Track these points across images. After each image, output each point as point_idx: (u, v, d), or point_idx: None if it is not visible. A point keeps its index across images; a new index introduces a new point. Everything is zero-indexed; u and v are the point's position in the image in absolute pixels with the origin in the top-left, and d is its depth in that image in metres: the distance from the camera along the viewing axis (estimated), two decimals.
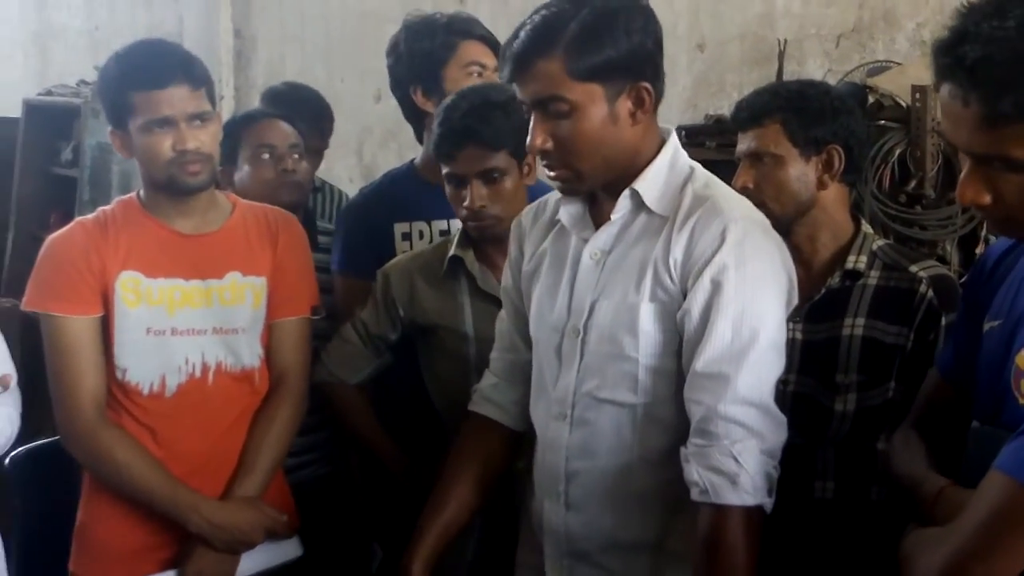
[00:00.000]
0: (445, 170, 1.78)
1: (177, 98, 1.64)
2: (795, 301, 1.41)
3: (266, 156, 2.09)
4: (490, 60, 2.04)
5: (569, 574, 1.46)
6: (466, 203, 1.75)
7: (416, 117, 2.12)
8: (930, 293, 1.63)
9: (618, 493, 1.42)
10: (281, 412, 1.79)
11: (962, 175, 1.13)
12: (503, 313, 1.62)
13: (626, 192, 1.39)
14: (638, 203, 1.40)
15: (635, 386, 1.38)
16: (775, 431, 1.33)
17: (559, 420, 1.44)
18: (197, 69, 1.70)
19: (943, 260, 2.30)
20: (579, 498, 1.44)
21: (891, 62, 2.53)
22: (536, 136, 1.36)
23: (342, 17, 4.13)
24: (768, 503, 1.31)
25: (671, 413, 1.37)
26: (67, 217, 4.32)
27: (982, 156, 1.09)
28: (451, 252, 1.84)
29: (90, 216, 1.79)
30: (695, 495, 1.30)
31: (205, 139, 1.68)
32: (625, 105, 1.35)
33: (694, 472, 1.30)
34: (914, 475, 1.31)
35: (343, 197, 2.75)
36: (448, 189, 1.80)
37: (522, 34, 1.35)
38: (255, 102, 4.36)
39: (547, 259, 1.50)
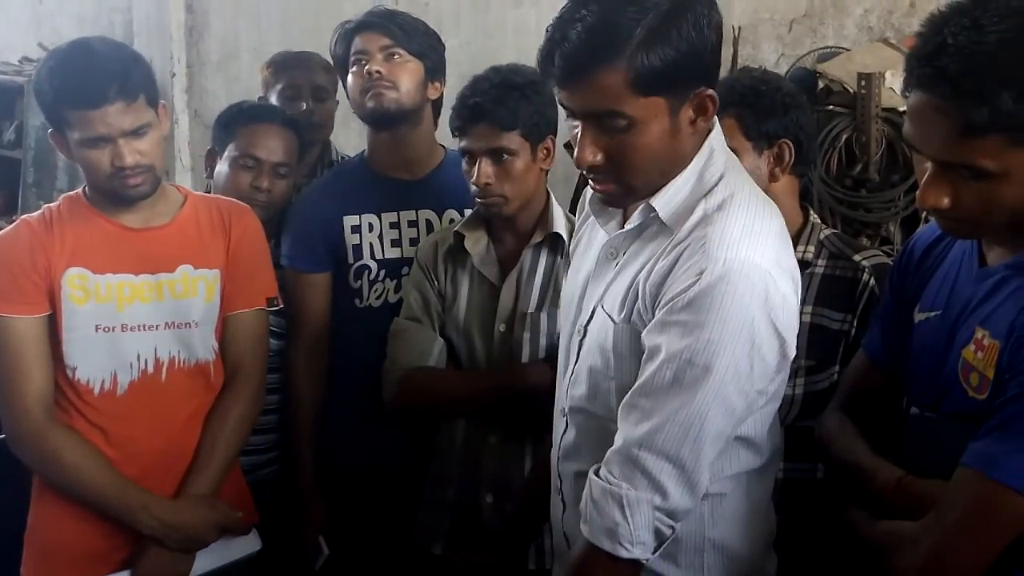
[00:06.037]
0: (459, 144, 1.80)
1: (112, 116, 1.59)
2: (790, 355, 1.23)
3: (248, 164, 2.04)
4: (371, 44, 1.95)
5: None
6: (473, 179, 1.76)
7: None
8: (872, 281, 1.67)
9: None
10: (236, 407, 1.77)
11: (924, 180, 1.14)
12: None
13: (642, 206, 1.27)
14: (654, 215, 1.28)
15: (608, 402, 1.29)
16: (684, 496, 1.18)
17: (560, 416, 1.40)
18: (133, 79, 1.62)
19: (887, 241, 2.36)
20: (572, 499, 1.38)
21: (840, 48, 2.57)
22: (585, 151, 1.21)
23: None
24: (648, 559, 1.20)
25: None
26: (11, 199, 4.25)
27: (949, 164, 1.10)
28: (456, 227, 1.85)
29: (35, 214, 1.76)
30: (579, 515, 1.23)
31: (145, 149, 1.64)
32: (687, 114, 1.21)
33: (585, 497, 1.21)
34: (862, 463, 1.33)
35: None
36: (463, 163, 1.81)
37: (574, 34, 1.15)
38: (208, 79, 4.27)
39: (579, 247, 1.44)
